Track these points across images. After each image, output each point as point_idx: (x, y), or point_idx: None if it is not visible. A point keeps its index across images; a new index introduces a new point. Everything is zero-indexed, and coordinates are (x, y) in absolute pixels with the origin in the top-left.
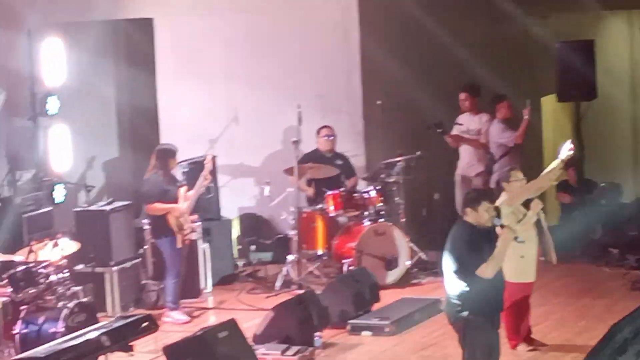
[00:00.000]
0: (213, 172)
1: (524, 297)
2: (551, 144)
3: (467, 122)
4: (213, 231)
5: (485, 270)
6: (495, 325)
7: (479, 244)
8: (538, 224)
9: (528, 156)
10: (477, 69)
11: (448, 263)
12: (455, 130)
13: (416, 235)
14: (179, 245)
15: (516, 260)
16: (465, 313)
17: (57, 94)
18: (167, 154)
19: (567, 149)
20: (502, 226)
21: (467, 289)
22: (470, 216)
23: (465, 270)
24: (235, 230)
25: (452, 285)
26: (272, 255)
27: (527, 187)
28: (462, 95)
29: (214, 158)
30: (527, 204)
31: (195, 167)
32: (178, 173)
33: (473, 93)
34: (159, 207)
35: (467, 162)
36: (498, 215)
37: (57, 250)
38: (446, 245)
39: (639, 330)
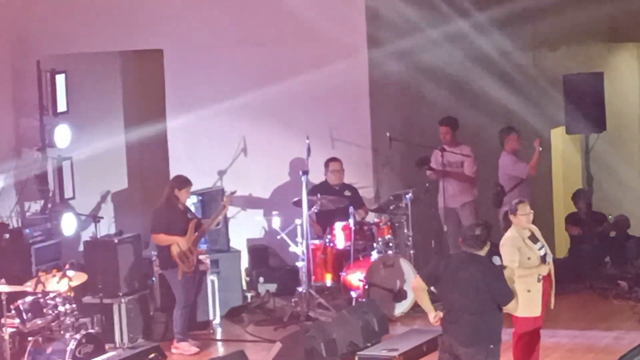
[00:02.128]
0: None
1: (534, 330)
2: (560, 176)
3: (448, 155)
4: (222, 262)
5: (514, 306)
6: None
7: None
8: (544, 259)
9: (537, 189)
10: (486, 101)
11: (472, 298)
12: (433, 163)
13: (424, 267)
14: (180, 277)
15: (523, 294)
16: (492, 345)
17: (66, 125)
18: (179, 185)
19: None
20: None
21: (494, 321)
22: (483, 251)
23: (492, 303)
24: (244, 262)
25: (484, 317)
26: (281, 287)
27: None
28: (443, 129)
29: (233, 194)
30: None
31: (205, 199)
32: (187, 204)
33: (453, 126)
34: (162, 238)
35: (450, 194)
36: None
37: (65, 281)
38: (469, 280)
39: None
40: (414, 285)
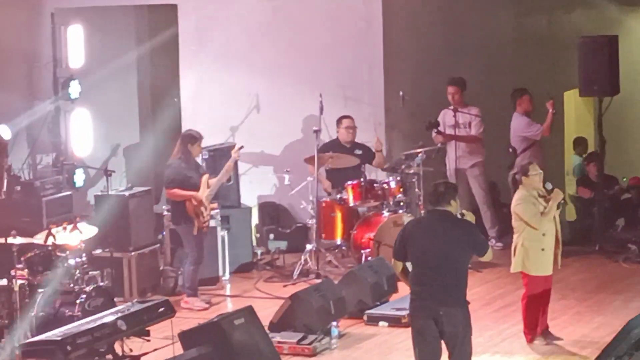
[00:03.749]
0: (236, 161)
1: (544, 290)
2: (573, 138)
3: (457, 115)
4: (232, 219)
5: (490, 255)
6: None
7: None
8: (554, 219)
9: (549, 151)
10: (501, 61)
11: (453, 256)
12: (441, 122)
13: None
14: (195, 232)
15: (537, 253)
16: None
17: (79, 78)
18: (192, 140)
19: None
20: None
21: (465, 279)
22: (452, 207)
23: (467, 261)
24: (255, 219)
25: (453, 279)
26: (291, 244)
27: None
28: (452, 89)
29: (240, 149)
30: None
31: (216, 154)
32: (199, 159)
33: (462, 86)
34: (178, 193)
35: (460, 155)
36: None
37: (75, 234)
38: (454, 240)
39: None
40: (398, 272)
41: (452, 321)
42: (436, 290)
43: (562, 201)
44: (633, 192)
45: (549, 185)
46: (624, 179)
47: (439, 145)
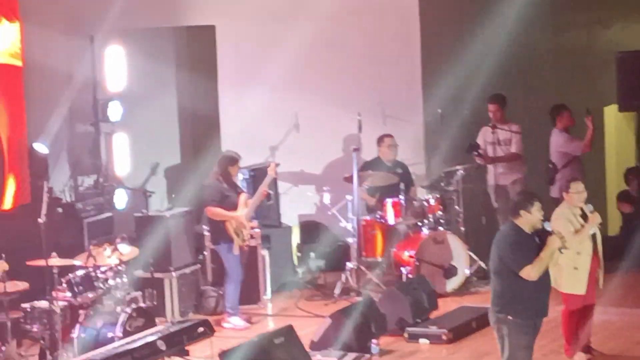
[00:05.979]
0: (274, 179)
1: (585, 306)
2: (614, 154)
3: (498, 133)
4: (273, 238)
5: (530, 273)
6: (535, 329)
7: (525, 245)
8: (594, 238)
9: (590, 166)
10: (539, 77)
11: (492, 263)
12: (481, 140)
13: (475, 243)
14: (236, 252)
15: (570, 271)
16: (504, 314)
17: (119, 100)
18: (230, 162)
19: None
20: (550, 233)
21: (509, 289)
22: (523, 218)
23: (508, 271)
24: (295, 238)
25: (495, 286)
26: (332, 263)
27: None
28: (492, 107)
29: (276, 166)
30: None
31: (256, 174)
32: (238, 179)
33: (502, 103)
34: (218, 212)
35: (500, 171)
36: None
37: (116, 255)
38: (492, 247)
39: None
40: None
41: (497, 327)
42: (492, 296)
43: (599, 226)
44: None
45: (590, 207)
46: None
47: (478, 162)
